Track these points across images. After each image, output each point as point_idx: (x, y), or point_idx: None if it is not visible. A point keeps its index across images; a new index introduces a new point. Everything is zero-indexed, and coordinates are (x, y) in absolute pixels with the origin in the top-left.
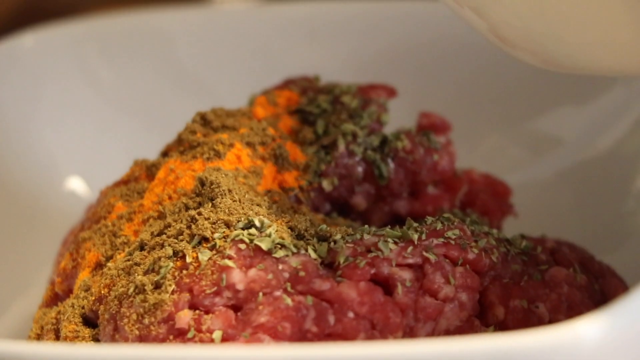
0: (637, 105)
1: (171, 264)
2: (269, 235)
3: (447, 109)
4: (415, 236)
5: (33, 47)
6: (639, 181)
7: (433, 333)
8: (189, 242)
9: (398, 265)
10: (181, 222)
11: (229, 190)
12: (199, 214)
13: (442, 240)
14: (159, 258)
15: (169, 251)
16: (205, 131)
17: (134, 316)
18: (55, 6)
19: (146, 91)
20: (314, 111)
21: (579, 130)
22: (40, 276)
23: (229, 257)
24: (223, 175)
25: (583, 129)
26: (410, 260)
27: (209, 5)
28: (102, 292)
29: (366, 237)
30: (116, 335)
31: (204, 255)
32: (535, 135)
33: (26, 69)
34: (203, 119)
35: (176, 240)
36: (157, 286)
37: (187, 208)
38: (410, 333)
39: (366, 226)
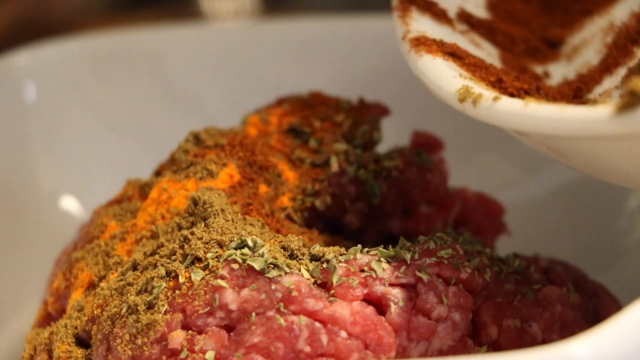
0: None
1: (164, 284)
2: (262, 255)
3: (440, 127)
4: (408, 256)
5: (26, 66)
6: (632, 200)
7: (426, 353)
8: (181, 262)
9: (391, 284)
10: (174, 242)
11: (222, 210)
12: (192, 233)
13: (435, 259)
14: (152, 278)
15: (162, 271)
16: (198, 151)
17: (127, 336)
18: (49, 23)
19: (139, 110)
20: (307, 130)
21: None
22: (34, 296)
23: (222, 277)
24: (216, 195)
25: None
26: (403, 280)
27: (202, 24)
28: (95, 312)
29: (359, 256)
30: (109, 355)
31: (197, 275)
32: (528, 154)
33: (19, 87)
34: (196, 139)
35: (169, 260)
36: (150, 306)
37: (180, 228)
38: (403, 353)
39: (359, 246)
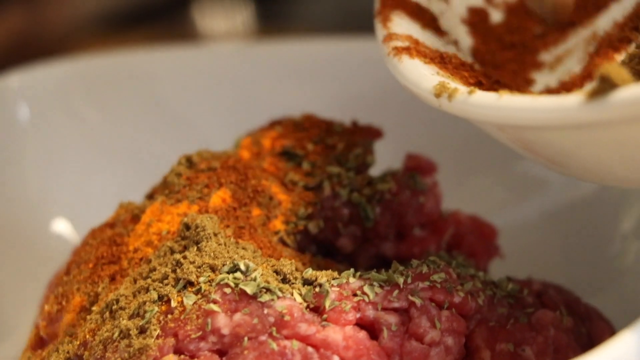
0: None
1: (156, 308)
2: (254, 279)
3: (433, 150)
4: (401, 280)
5: (19, 87)
6: (625, 224)
7: None
8: (174, 286)
9: (384, 309)
10: (166, 265)
11: (214, 234)
12: (184, 257)
13: (427, 283)
14: (144, 302)
15: (154, 295)
16: (190, 174)
17: None
18: (43, 42)
19: (132, 133)
20: (300, 153)
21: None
22: (26, 319)
23: (214, 302)
24: (208, 219)
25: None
26: (396, 304)
27: (196, 45)
28: (87, 336)
29: (352, 280)
30: None
31: (189, 299)
32: (521, 176)
33: (12, 109)
34: (189, 162)
35: (161, 284)
36: (142, 331)
37: (172, 251)
38: None
39: (352, 269)
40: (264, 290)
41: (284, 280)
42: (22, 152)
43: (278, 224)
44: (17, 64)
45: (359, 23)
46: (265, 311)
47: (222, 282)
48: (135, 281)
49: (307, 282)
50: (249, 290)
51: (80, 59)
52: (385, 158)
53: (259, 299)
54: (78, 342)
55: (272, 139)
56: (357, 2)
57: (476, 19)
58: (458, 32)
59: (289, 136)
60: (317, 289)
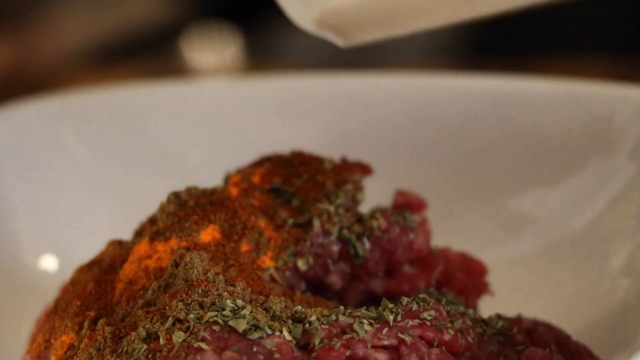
0: (611, 184)
1: (144, 346)
2: (244, 317)
3: (423, 187)
4: (391, 317)
5: (6, 122)
6: (615, 261)
7: None
8: (162, 324)
9: (373, 346)
10: (154, 303)
11: (203, 271)
12: (173, 295)
13: (417, 321)
14: (132, 340)
15: (142, 333)
16: (179, 210)
17: None
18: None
19: (121, 168)
20: (289, 189)
21: (554, 208)
22: (13, 356)
23: (203, 339)
24: (197, 256)
25: (558, 208)
26: (386, 342)
27: (184, 80)
28: None
29: (341, 318)
30: None
31: (178, 337)
32: (511, 213)
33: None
34: (177, 198)
35: (149, 322)
36: None
37: (160, 289)
38: None
39: (341, 307)
40: (254, 327)
41: (274, 317)
42: (11, 188)
43: (267, 261)
44: (5, 99)
45: (349, 58)
46: (255, 349)
47: (211, 320)
48: (123, 319)
49: (296, 319)
50: (238, 327)
51: (68, 94)
52: (375, 195)
53: (248, 337)
54: None
55: (261, 175)
56: None
57: None
58: None
59: (278, 173)
60: (307, 327)
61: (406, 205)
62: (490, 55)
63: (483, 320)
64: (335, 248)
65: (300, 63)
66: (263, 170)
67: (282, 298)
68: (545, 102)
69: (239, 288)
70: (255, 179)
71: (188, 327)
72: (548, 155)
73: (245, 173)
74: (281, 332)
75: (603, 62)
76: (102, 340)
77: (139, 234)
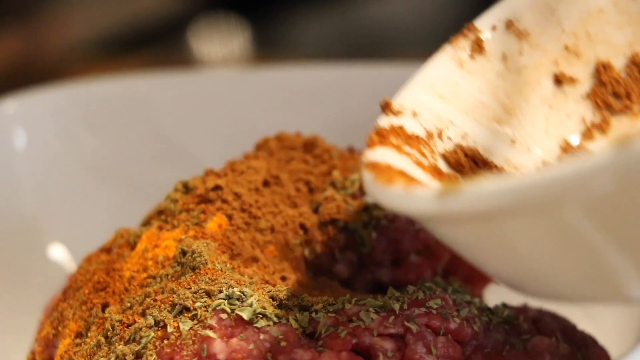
0: None
1: (152, 334)
2: (250, 305)
3: None
4: (397, 306)
5: (14, 113)
6: None
7: None
8: (170, 312)
9: (379, 335)
10: (162, 291)
11: (211, 260)
12: (181, 283)
13: (423, 309)
14: (140, 328)
15: (150, 321)
16: (187, 199)
17: None
18: (38, 69)
19: (129, 158)
20: (296, 178)
21: None
22: (22, 344)
23: (210, 327)
24: (204, 245)
25: None
26: (392, 330)
27: (193, 71)
28: None
29: (347, 306)
30: None
31: (185, 325)
32: None
33: (8, 135)
34: (185, 187)
35: (157, 310)
36: (138, 356)
37: (168, 277)
38: None
39: (347, 295)
40: (260, 315)
41: (280, 305)
42: (19, 177)
43: (274, 250)
44: (14, 89)
45: (356, 49)
46: (262, 337)
47: (218, 308)
48: (131, 307)
49: (303, 307)
50: (245, 315)
51: (77, 84)
52: None
53: (255, 325)
54: None
55: (265, 162)
56: (355, 28)
57: None
58: None
59: (281, 159)
60: (313, 315)
61: None
62: None
63: (489, 309)
64: (342, 237)
65: (307, 54)
66: (266, 157)
67: (289, 287)
68: None
69: (246, 276)
70: (259, 165)
71: (195, 315)
72: None
73: (249, 160)
74: (288, 320)
75: None
76: (110, 328)
77: (146, 222)
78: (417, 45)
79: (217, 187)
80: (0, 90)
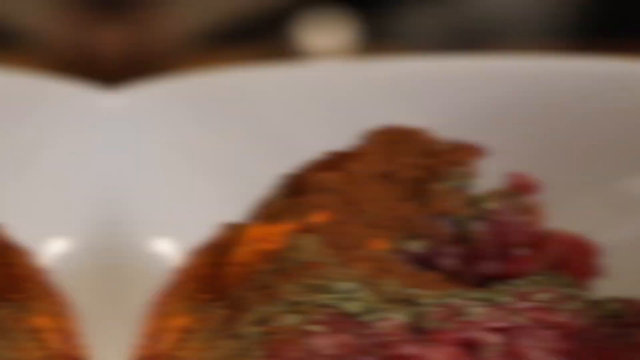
0: None
1: (258, 329)
2: (358, 300)
3: (537, 169)
4: (504, 299)
5: (123, 106)
6: None
7: None
8: (276, 307)
9: (487, 329)
10: (268, 286)
11: (317, 254)
12: (286, 278)
13: (531, 303)
14: (246, 323)
15: (256, 316)
16: (292, 194)
17: None
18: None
19: (235, 151)
20: (400, 171)
21: None
22: (127, 340)
23: (317, 322)
24: (310, 238)
25: None
26: (499, 324)
27: (299, 64)
28: (189, 357)
29: (454, 300)
30: None
31: (292, 319)
32: (625, 195)
33: (116, 128)
34: (290, 181)
35: (263, 305)
36: (244, 352)
37: (274, 272)
38: None
39: (454, 290)
40: (367, 310)
41: (387, 300)
42: (126, 170)
43: (381, 244)
44: (121, 81)
45: (464, 40)
46: (369, 331)
47: (325, 303)
48: (237, 302)
49: (410, 302)
50: (352, 310)
51: (184, 77)
52: (488, 177)
53: (362, 319)
54: None
55: (370, 156)
56: (462, 19)
57: None
58: None
59: (386, 152)
60: (420, 309)
61: (520, 188)
62: (607, 38)
63: (597, 303)
64: (449, 231)
65: (415, 46)
66: (373, 150)
67: (397, 280)
68: None
69: (352, 271)
70: (366, 158)
71: (302, 310)
72: None
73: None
74: (395, 314)
75: None
76: (216, 323)
77: (252, 217)
78: (525, 36)
79: (322, 181)
80: (108, 83)
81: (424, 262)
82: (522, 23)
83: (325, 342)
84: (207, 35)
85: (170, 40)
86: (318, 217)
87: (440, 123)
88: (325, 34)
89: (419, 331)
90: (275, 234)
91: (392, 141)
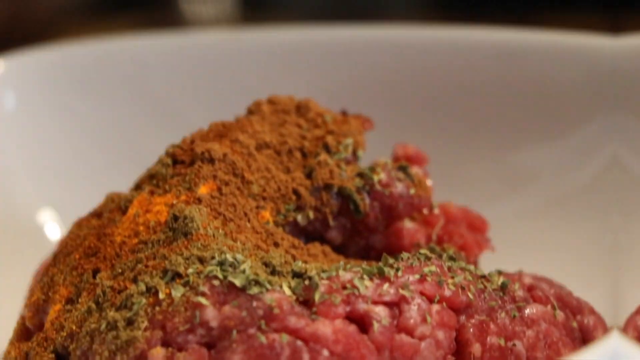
0: (612, 141)
1: (144, 300)
2: (243, 272)
3: (424, 140)
4: (392, 273)
5: (4, 74)
6: (616, 217)
7: None
8: (162, 278)
9: (374, 302)
10: (154, 257)
11: (203, 225)
12: (172, 249)
13: (418, 277)
14: (132, 294)
15: (142, 287)
16: (178, 164)
17: (106, 353)
18: (26, 30)
19: (119, 120)
20: (290, 143)
21: (556, 165)
22: (11, 310)
23: (203, 294)
24: (197, 210)
25: (560, 164)
26: (386, 298)
27: (182, 32)
28: (74, 328)
29: (341, 273)
30: None
31: (177, 291)
32: (513, 167)
33: None
34: (176, 151)
35: (149, 276)
36: (130, 322)
37: (160, 243)
38: None
39: (341, 262)
40: (253, 282)
41: (273, 272)
42: (8, 140)
43: (267, 215)
44: (2, 50)
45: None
46: (254, 304)
47: (210, 274)
48: (122, 273)
49: (296, 274)
50: (238, 282)
51: (66, 45)
52: (375, 148)
53: (248, 292)
54: (65, 334)
55: (254, 126)
56: None
57: None
58: None
59: (275, 124)
60: (307, 282)
61: (407, 159)
62: (489, 11)
63: (484, 276)
64: (336, 202)
65: (297, 15)
66: (258, 120)
67: (282, 253)
68: (548, 55)
69: (238, 242)
70: (251, 129)
71: (187, 282)
72: (551, 110)
73: (241, 123)
74: (281, 287)
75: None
76: (101, 294)
77: (138, 187)
78: (406, 7)
79: (209, 151)
80: None
81: (311, 234)
82: None
83: (210, 314)
84: (90, 4)
85: (53, 9)
86: (203, 188)
87: (324, 93)
88: (208, 3)
89: (305, 304)
90: (162, 205)
91: (279, 111)
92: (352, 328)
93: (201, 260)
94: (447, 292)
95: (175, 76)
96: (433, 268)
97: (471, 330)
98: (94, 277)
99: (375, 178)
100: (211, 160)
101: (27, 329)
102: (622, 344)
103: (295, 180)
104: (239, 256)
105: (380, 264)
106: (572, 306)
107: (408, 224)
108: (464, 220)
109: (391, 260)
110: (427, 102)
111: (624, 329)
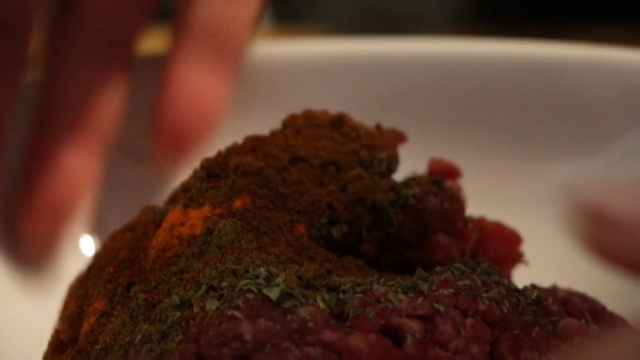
0: None
1: (178, 314)
2: (278, 285)
3: (458, 155)
4: (425, 286)
5: None
6: None
7: None
8: (196, 291)
9: (408, 316)
10: (188, 270)
11: (237, 239)
12: (207, 262)
13: (452, 290)
14: (166, 307)
15: (176, 300)
16: (212, 178)
17: None
18: None
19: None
20: (322, 157)
21: (591, 178)
22: (46, 324)
23: (237, 307)
24: (231, 223)
25: (595, 177)
26: (420, 311)
27: None
28: (108, 340)
29: (375, 287)
30: None
31: (212, 304)
32: (547, 182)
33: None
34: (211, 165)
35: (183, 289)
36: (164, 336)
37: (194, 256)
38: None
39: (375, 276)
40: (287, 296)
41: (307, 286)
42: None
43: (301, 229)
44: None
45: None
46: (288, 317)
47: (244, 288)
48: (156, 286)
49: (330, 288)
50: (272, 296)
51: None
52: (409, 163)
53: (282, 305)
54: (99, 347)
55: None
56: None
57: None
58: None
59: (310, 138)
60: (341, 295)
61: (441, 173)
62: (521, 23)
63: (518, 290)
64: (369, 216)
65: (330, 28)
66: (293, 134)
67: (316, 266)
68: (583, 69)
69: (272, 256)
70: (286, 143)
71: (221, 295)
72: (585, 124)
73: (275, 138)
74: (315, 300)
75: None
76: (135, 307)
77: (172, 200)
78: (440, 21)
79: (243, 165)
80: None
81: (344, 247)
82: (436, 8)
83: (245, 328)
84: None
85: None
86: (237, 202)
87: (358, 107)
88: None
89: (339, 318)
90: (196, 218)
91: (313, 125)
92: (386, 341)
93: (235, 274)
94: (481, 306)
95: None
96: (467, 282)
97: (505, 344)
98: (128, 290)
99: (410, 192)
100: (245, 174)
101: (62, 342)
102: None
103: (330, 194)
104: (273, 270)
105: (414, 277)
106: (606, 321)
107: (442, 238)
108: (498, 234)
109: (425, 274)
110: (461, 116)
111: None
